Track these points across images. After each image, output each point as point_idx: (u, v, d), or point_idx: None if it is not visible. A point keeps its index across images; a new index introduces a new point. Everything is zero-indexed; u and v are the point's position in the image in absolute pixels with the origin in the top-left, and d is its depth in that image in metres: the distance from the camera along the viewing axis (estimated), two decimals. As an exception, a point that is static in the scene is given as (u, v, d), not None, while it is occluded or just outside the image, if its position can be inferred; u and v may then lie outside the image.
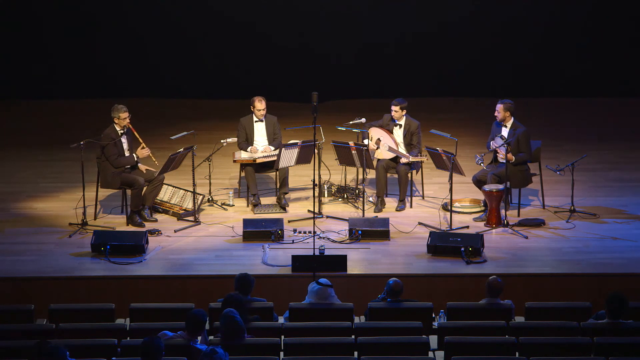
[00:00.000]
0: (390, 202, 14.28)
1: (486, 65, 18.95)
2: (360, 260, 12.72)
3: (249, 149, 14.23)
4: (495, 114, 13.81)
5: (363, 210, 13.86)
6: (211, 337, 10.07)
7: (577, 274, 12.36)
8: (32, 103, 18.81)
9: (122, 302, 11.52)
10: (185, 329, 9.84)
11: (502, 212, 13.56)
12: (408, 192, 14.25)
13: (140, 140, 13.71)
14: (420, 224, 13.67)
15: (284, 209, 14.10)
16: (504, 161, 13.59)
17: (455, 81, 19.05)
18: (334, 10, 18.80)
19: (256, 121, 14.30)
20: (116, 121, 13.66)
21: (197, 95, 19.11)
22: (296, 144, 13.94)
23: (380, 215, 13.86)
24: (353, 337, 10.24)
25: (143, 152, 13.73)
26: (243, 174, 14.32)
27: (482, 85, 18.95)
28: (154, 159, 13.75)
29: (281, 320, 11.00)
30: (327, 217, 13.93)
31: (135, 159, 13.76)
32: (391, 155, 14.08)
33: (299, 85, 18.47)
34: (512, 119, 13.79)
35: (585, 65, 18.94)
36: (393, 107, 14.12)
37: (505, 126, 13.79)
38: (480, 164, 13.67)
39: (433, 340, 10.45)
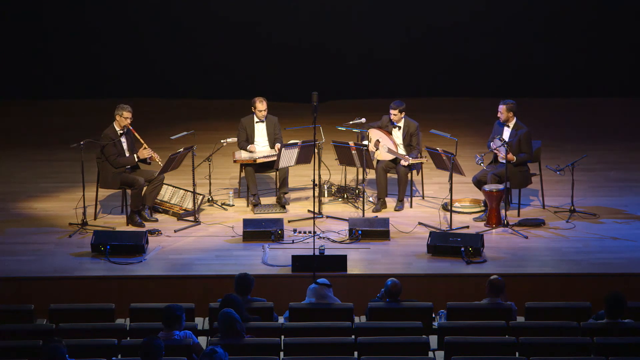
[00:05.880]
0: (390, 203, 14.28)
1: (486, 65, 18.95)
2: (360, 260, 12.72)
3: (247, 147, 14.23)
4: (498, 114, 13.80)
5: (363, 210, 13.86)
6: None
7: (577, 274, 12.37)
8: (32, 103, 18.81)
9: (122, 302, 11.52)
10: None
11: (502, 212, 13.56)
12: (408, 192, 14.25)
13: (142, 142, 13.70)
14: (420, 224, 13.67)
15: (284, 207, 14.10)
16: (504, 161, 13.59)
17: (455, 81, 19.05)
18: (335, 10, 18.80)
19: (257, 122, 14.31)
20: (117, 119, 13.65)
21: (197, 95, 19.10)
22: (296, 144, 13.94)
23: (379, 215, 13.86)
24: (353, 337, 10.24)
25: (144, 152, 13.72)
26: (243, 174, 14.32)
27: (482, 85, 18.95)
28: (158, 161, 13.72)
29: (281, 320, 11.00)
30: (327, 217, 13.93)
31: (136, 159, 13.75)
32: (391, 156, 14.08)
33: (299, 85, 18.46)
34: (515, 119, 13.79)
35: (585, 65, 18.94)
36: (391, 111, 14.10)
37: (508, 126, 13.79)
38: (480, 164, 13.67)
39: (433, 340, 10.45)
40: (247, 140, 14.30)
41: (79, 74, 18.96)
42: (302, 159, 14.01)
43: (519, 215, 13.86)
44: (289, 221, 13.76)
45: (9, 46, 18.85)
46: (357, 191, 14.48)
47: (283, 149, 13.81)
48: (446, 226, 13.50)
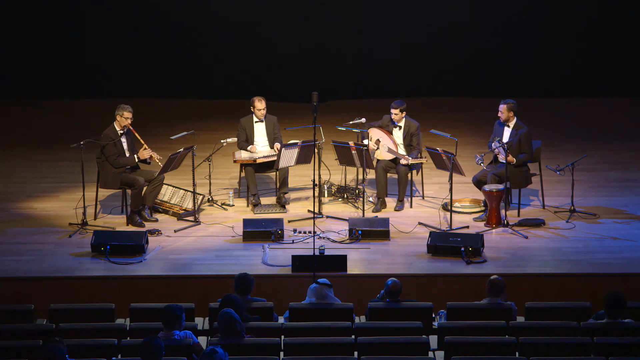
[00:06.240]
0: (390, 203, 14.28)
1: (486, 65, 18.96)
2: (360, 260, 12.72)
3: (248, 148, 14.23)
4: (499, 114, 13.79)
5: (363, 210, 13.86)
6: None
7: (577, 274, 12.37)
8: (32, 103, 18.81)
9: (122, 302, 11.52)
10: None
11: (502, 212, 13.56)
12: (408, 192, 14.25)
13: (142, 142, 13.70)
14: (420, 224, 13.67)
15: (284, 206, 14.10)
16: (504, 161, 13.59)
17: (455, 81, 19.05)
18: (334, 10, 18.80)
19: (256, 121, 14.31)
20: (118, 119, 13.64)
21: (197, 95, 19.11)
22: (296, 144, 13.95)
23: (379, 215, 13.86)
24: (353, 337, 10.24)
25: (144, 153, 13.71)
26: (243, 174, 14.32)
27: (482, 85, 18.96)
28: (157, 161, 13.71)
29: (281, 320, 11.00)
30: (327, 217, 13.93)
31: (136, 160, 13.75)
32: (391, 156, 14.08)
33: (299, 85, 18.47)
34: (515, 119, 13.79)
35: (584, 65, 18.94)
36: (392, 110, 14.11)
37: (508, 126, 13.79)
38: (480, 164, 13.67)
39: (433, 340, 10.45)
40: (246, 140, 14.30)
41: (79, 74, 18.97)
42: (302, 159, 14.01)
43: (519, 215, 13.86)
44: (289, 221, 13.76)
45: (9, 46, 18.85)
46: (357, 191, 14.48)
47: (283, 149, 13.81)
48: (446, 226, 13.50)
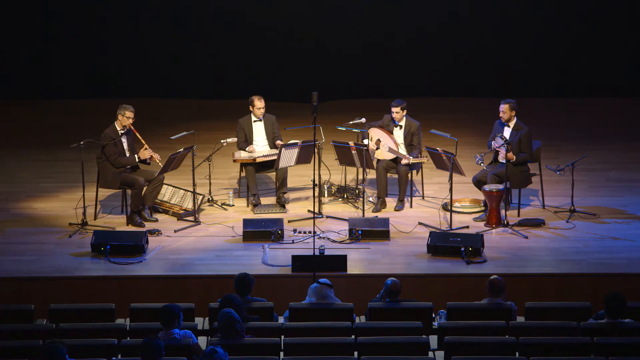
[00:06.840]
0: (390, 202, 14.28)
1: (486, 65, 18.96)
2: (360, 260, 12.72)
3: (247, 148, 14.23)
4: (501, 114, 13.78)
5: (363, 210, 13.86)
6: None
7: (577, 274, 12.37)
8: (32, 103, 18.81)
9: (122, 302, 11.52)
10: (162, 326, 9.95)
11: (502, 212, 13.56)
12: (408, 192, 14.25)
13: (143, 142, 13.70)
14: (420, 224, 13.67)
15: (283, 206, 14.10)
16: (504, 161, 13.60)
17: (455, 81, 19.05)
18: (334, 9, 18.80)
19: (255, 121, 14.31)
20: (120, 118, 13.64)
21: (197, 95, 19.11)
22: (296, 144, 13.95)
23: (379, 215, 13.86)
24: (353, 337, 10.24)
25: (145, 153, 13.71)
26: (243, 174, 14.32)
27: (482, 85, 18.95)
28: (158, 161, 13.71)
29: (281, 320, 11.00)
30: (327, 217, 13.93)
31: (137, 160, 13.75)
32: (391, 155, 14.09)
33: (299, 85, 18.47)
34: (515, 119, 13.80)
35: (584, 65, 18.94)
36: (393, 109, 14.12)
37: (509, 126, 13.79)
38: (480, 164, 13.66)
39: (433, 340, 10.45)
40: (245, 140, 14.30)
41: (79, 74, 18.97)
42: (302, 159, 14.01)
43: (519, 215, 13.86)
44: (289, 221, 13.76)
45: (9, 46, 18.85)
46: (357, 191, 14.48)
47: (283, 149, 13.81)
48: (446, 226, 13.50)
